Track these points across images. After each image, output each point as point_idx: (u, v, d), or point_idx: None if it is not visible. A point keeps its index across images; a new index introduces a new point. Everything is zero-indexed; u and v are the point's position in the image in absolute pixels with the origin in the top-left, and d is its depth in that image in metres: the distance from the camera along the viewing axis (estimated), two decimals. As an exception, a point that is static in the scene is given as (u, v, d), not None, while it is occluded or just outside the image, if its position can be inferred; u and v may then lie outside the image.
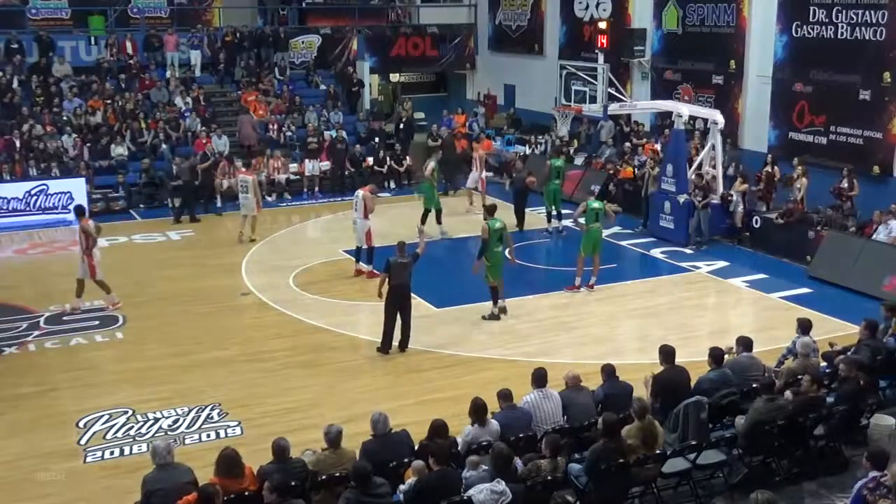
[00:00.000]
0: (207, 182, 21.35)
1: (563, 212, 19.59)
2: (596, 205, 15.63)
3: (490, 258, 14.12)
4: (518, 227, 19.37)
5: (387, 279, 12.80)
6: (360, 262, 16.41)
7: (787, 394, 9.24)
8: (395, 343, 12.95)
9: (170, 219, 20.75)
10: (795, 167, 17.86)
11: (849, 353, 10.40)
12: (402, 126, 26.29)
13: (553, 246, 19.11)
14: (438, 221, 19.23)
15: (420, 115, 28.23)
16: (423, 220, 18.81)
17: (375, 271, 16.09)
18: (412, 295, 13.15)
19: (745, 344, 10.24)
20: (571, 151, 23.89)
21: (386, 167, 24.02)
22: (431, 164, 19.49)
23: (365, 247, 16.25)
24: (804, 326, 10.76)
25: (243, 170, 19.79)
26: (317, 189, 23.37)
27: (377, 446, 8.19)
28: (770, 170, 18.52)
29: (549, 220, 19.61)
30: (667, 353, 9.63)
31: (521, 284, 15.96)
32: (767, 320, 14.25)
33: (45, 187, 20.73)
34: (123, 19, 27.13)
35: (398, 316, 12.88)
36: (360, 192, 16.37)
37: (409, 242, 13.32)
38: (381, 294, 12.86)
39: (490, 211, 14.64)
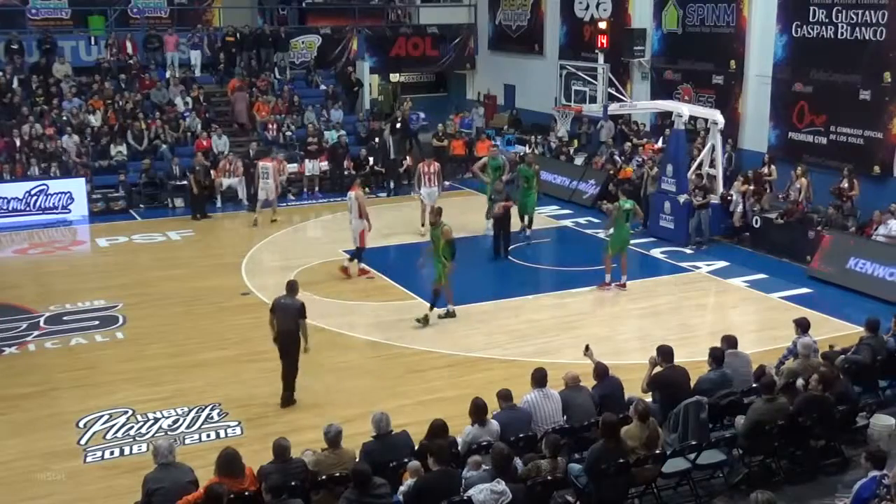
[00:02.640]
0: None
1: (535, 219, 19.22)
2: (627, 205, 15.59)
3: (453, 261, 13.97)
4: (504, 252, 17.48)
5: (274, 321, 11.16)
6: (360, 263, 16.41)
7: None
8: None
9: (170, 219, 20.78)
10: (795, 168, 17.88)
11: (849, 353, 10.41)
12: (398, 126, 26.20)
13: (553, 246, 19.09)
14: (487, 217, 18.57)
15: (419, 114, 28.16)
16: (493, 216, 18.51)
17: (367, 269, 16.29)
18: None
19: (729, 341, 10.17)
20: (571, 151, 23.89)
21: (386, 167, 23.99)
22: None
23: (357, 246, 16.25)
24: (803, 326, 10.75)
25: (263, 158, 20.48)
26: (317, 189, 23.40)
27: (377, 447, 8.20)
28: (768, 170, 18.52)
29: (522, 220, 19.01)
30: (665, 353, 9.63)
31: (521, 284, 16.02)
32: (767, 320, 14.24)
33: (45, 187, 20.73)
34: (123, 19, 27.12)
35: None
36: (351, 193, 16.33)
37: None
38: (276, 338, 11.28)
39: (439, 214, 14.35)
